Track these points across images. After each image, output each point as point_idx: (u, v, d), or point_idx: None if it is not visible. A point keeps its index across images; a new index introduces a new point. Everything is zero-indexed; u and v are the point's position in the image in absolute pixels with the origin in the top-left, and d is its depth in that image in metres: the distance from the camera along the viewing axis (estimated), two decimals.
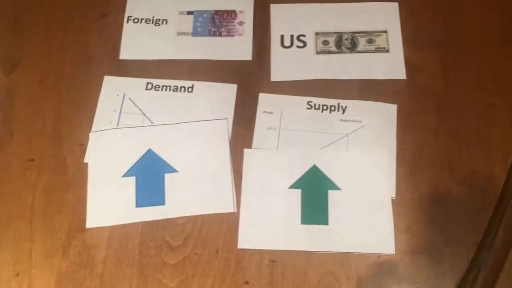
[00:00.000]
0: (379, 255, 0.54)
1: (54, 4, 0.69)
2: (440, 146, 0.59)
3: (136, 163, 0.59)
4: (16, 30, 0.67)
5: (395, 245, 0.54)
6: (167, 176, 0.58)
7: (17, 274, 0.53)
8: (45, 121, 0.62)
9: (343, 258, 0.54)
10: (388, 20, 0.65)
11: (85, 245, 0.55)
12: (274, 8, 0.68)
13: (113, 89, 0.63)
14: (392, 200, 0.57)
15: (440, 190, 0.57)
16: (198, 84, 0.63)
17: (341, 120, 0.61)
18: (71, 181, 0.58)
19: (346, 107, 0.61)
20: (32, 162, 0.59)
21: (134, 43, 0.66)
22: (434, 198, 0.57)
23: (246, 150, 0.59)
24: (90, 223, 0.56)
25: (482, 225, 0.55)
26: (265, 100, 0.62)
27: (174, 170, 0.58)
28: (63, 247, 0.55)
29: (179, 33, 0.67)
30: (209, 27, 0.67)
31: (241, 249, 0.55)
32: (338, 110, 0.61)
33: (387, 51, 0.64)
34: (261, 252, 0.55)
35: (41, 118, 0.62)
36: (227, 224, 0.56)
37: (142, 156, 0.59)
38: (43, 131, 0.61)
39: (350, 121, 0.60)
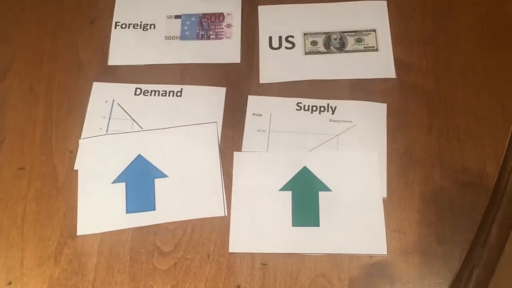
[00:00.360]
0: (371, 256, 0.54)
1: (42, 12, 0.69)
2: (431, 144, 0.59)
3: (126, 169, 0.59)
4: (5, 38, 0.67)
5: (387, 245, 0.54)
6: (157, 181, 0.58)
7: (10, 283, 0.53)
8: (35, 128, 0.62)
9: (335, 259, 0.54)
10: (376, 18, 0.65)
11: (76, 253, 0.55)
12: (262, 10, 0.67)
13: (102, 95, 0.63)
14: (384, 200, 0.56)
15: (432, 189, 0.57)
16: (187, 88, 0.63)
17: (330, 120, 0.60)
18: (61, 188, 0.58)
19: (335, 107, 0.61)
20: (22, 170, 0.59)
21: (123, 49, 0.66)
22: (425, 196, 0.56)
23: (236, 153, 0.59)
24: (81, 230, 0.56)
25: (474, 223, 0.55)
26: (254, 102, 0.62)
27: (164, 175, 0.58)
28: (55, 254, 0.55)
29: (167, 37, 0.67)
30: (197, 31, 0.67)
31: (232, 253, 0.54)
32: (328, 111, 0.61)
33: (376, 50, 0.64)
34: (253, 255, 0.54)
35: (31, 126, 0.62)
36: (218, 228, 0.56)
37: (132, 161, 0.59)
38: (33, 139, 0.61)
39: (340, 121, 0.60)
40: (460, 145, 0.58)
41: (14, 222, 0.57)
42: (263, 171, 0.58)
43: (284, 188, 0.57)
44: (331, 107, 0.61)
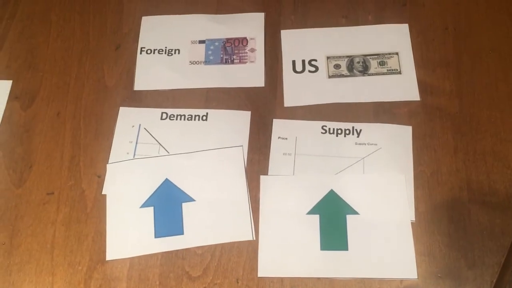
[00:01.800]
0: (401, 280, 0.54)
1: (69, 38, 0.71)
2: (457, 167, 0.59)
3: (153, 193, 0.59)
4: (32, 64, 0.69)
5: (417, 269, 0.54)
6: (185, 206, 0.58)
7: None
8: (63, 153, 0.63)
9: (365, 284, 0.54)
10: (399, 41, 0.66)
11: (105, 278, 0.55)
12: (285, 34, 0.68)
13: (128, 120, 0.64)
14: (412, 223, 0.56)
15: (460, 212, 0.56)
16: (212, 112, 0.64)
17: (356, 143, 0.61)
18: (90, 213, 0.59)
19: (360, 130, 0.61)
20: (51, 195, 0.60)
21: (148, 74, 0.67)
22: (454, 220, 0.56)
23: (262, 177, 0.59)
24: (110, 255, 0.56)
25: (504, 247, 0.55)
26: (279, 126, 0.62)
27: (191, 199, 0.59)
28: (85, 279, 0.55)
29: (191, 62, 0.68)
30: (221, 55, 0.68)
31: (261, 277, 0.55)
32: (353, 134, 0.61)
33: (400, 72, 0.64)
34: (282, 280, 0.54)
35: (59, 151, 0.63)
36: (247, 252, 0.56)
37: (159, 186, 0.60)
38: (62, 164, 0.62)
39: (365, 144, 0.61)
40: (487, 168, 0.59)
41: (43, 247, 0.57)
42: (290, 195, 0.58)
43: (311, 212, 0.57)
44: (356, 130, 0.61)
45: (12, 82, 0.67)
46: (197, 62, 0.68)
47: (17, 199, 0.60)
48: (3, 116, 0.65)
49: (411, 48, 0.65)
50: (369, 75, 0.65)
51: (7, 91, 0.67)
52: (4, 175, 0.61)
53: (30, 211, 0.59)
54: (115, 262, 0.56)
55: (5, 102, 0.66)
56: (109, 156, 0.62)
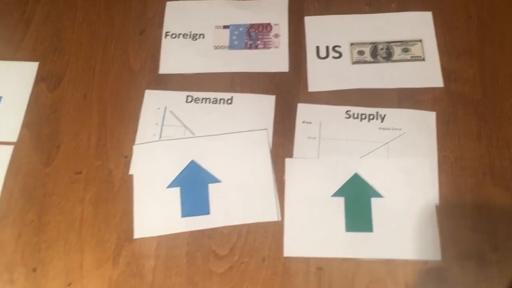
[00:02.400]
0: (425, 262, 0.54)
1: (94, 22, 0.71)
2: (481, 152, 0.59)
3: (179, 174, 0.60)
4: (58, 47, 0.70)
5: (441, 251, 0.55)
6: (211, 186, 0.59)
7: (69, 284, 0.55)
8: (90, 134, 0.63)
9: (390, 265, 0.54)
10: (422, 29, 0.66)
11: (134, 255, 0.56)
12: (308, 20, 0.69)
13: (154, 102, 0.65)
14: (436, 206, 0.57)
15: (484, 196, 0.57)
16: (237, 96, 0.65)
17: (380, 128, 0.61)
18: (117, 192, 0.60)
19: (385, 115, 0.62)
20: (79, 174, 0.61)
21: (173, 58, 0.68)
22: (478, 204, 0.57)
23: (287, 160, 0.60)
24: (138, 233, 0.57)
25: None
26: (303, 110, 0.63)
27: (217, 181, 0.59)
28: (113, 257, 0.56)
29: (216, 47, 0.69)
30: (245, 40, 0.69)
31: (287, 257, 0.55)
32: (377, 119, 0.62)
33: (423, 59, 0.65)
34: (307, 260, 0.55)
35: (86, 132, 0.64)
36: (272, 232, 0.57)
37: (186, 167, 0.60)
38: (88, 144, 0.63)
39: (389, 129, 0.61)
40: (510, 154, 0.59)
41: (72, 225, 0.58)
42: (315, 177, 0.59)
43: (336, 194, 0.58)
44: (380, 115, 0.62)
45: (39, 64, 0.69)
46: (222, 47, 0.68)
47: (46, 178, 0.60)
48: (30, 97, 0.66)
49: (434, 35, 0.66)
50: (392, 61, 0.65)
51: (33, 73, 0.68)
52: (32, 155, 0.62)
53: (58, 190, 0.60)
54: (143, 240, 0.57)
55: (32, 84, 0.67)
56: (135, 137, 0.63)
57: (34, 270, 0.55)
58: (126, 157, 0.62)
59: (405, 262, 0.54)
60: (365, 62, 0.66)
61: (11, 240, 0.57)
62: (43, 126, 0.64)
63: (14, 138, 0.63)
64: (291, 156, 0.61)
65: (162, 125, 0.64)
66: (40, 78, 0.67)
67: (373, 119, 0.62)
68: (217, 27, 0.70)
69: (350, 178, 0.59)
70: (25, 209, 0.59)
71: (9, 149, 0.62)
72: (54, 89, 0.67)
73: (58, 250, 0.57)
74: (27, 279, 0.55)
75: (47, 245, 0.57)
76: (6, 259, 0.56)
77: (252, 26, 0.69)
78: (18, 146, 0.63)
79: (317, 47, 0.67)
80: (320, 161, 0.60)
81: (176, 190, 0.59)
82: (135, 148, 0.62)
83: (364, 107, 0.63)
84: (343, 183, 0.58)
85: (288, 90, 0.65)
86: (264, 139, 0.62)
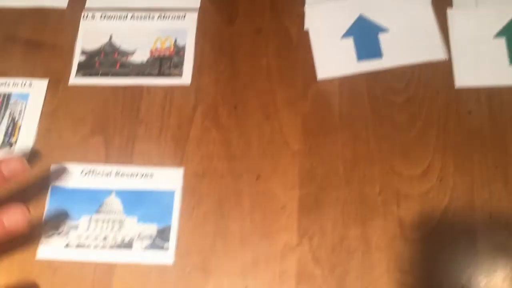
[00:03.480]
0: None
1: None
2: None
3: (351, 26, 0.68)
4: None
5: None
6: (380, 35, 0.67)
7: (267, 117, 0.64)
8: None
9: None
10: None
11: (320, 93, 0.64)
12: None
13: None
14: None
15: None
16: None
17: None
18: (296, 45, 0.68)
19: None
20: (259, 33, 0.69)
21: None
22: None
23: (449, 11, 0.67)
24: (321, 75, 0.65)
25: None
26: None
27: (385, 29, 0.67)
28: (302, 94, 0.64)
29: None
30: None
31: (458, 88, 0.63)
32: None
33: None
34: (478, 90, 0.62)
35: None
36: (442, 69, 0.64)
37: (355, 20, 0.68)
38: (264, 7, 0.70)
39: None
40: None
41: (260, 72, 0.66)
42: (477, 21, 0.65)
43: (498, 35, 0.64)
44: None
45: None
46: None
47: (230, 36, 0.69)
48: None
49: None
50: None
51: None
52: (216, 17, 0.70)
53: (243, 46, 0.68)
54: (326, 81, 0.65)
55: None
56: None
57: (235, 107, 0.65)
58: (299, 15, 0.69)
59: None
60: None
61: (211, 85, 0.66)
62: None
63: (196, 4, 0.72)
64: (451, 5, 0.67)
65: None
66: None
67: None
68: None
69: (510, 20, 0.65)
70: (216, 61, 0.68)
71: (194, 15, 0.71)
72: None
73: (253, 92, 0.65)
74: (230, 115, 0.64)
75: (241, 89, 0.66)
76: (210, 100, 0.65)
77: None
78: (202, 10, 0.71)
79: None
80: (479, 9, 0.66)
81: (350, 40, 0.67)
82: (306, 8, 0.69)
83: None
84: (503, 24, 0.65)
85: None
86: None
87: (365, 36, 0.67)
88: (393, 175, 0.59)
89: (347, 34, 0.67)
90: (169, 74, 0.67)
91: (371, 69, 0.65)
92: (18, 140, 0.64)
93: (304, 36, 0.68)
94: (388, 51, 0.65)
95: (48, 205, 0.60)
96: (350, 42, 0.67)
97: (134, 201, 0.60)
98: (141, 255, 0.57)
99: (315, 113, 0.64)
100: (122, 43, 0.70)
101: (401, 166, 0.60)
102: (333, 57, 0.66)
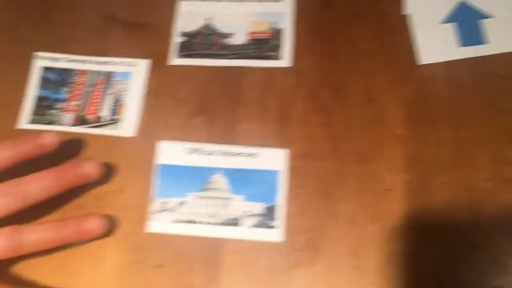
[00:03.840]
0: None
1: None
2: None
3: (453, 11, 0.67)
4: None
5: None
6: (484, 21, 0.66)
7: (370, 100, 0.63)
8: None
9: None
10: None
11: (422, 78, 0.64)
12: None
13: None
14: None
15: None
16: None
17: None
18: (395, 30, 0.67)
19: None
20: (358, 16, 0.69)
21: None
22: None
23: None
24: (424, 60, 0.65)
25: None
26: None
27: (490, 15, 0.66)
28: (405, 80, 0.64)
29: None
30: None
31: None
32: None
33: None
34: None
35: None
36: None
37: (457, 5, 0.67)
38: None
39: None
40: None
41: (360, 56, 0.66)
42: None
43: None
44: None
45: None
46: None
47: (327, 19, 0.69)
48: None
49: None
50: None
51: None
52: (312, 0, 0.70)
53: (341, 28, 0.68)
54: (429, 66, 0.65)
55: None
56: None
57: (336, 90, 0.65)
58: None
59: None
60: None
61: (311, 68, 0.66)
62: None
63: None
64: None
65: None
66: None
67: None
68: None
69: None
70: (316, 44, 0.67)
71: None
72: None
73: (353, 75, 0.65)
74: (331, 98, 0.65)
75: (342, 72, 0.65)
76: (311, 82, 0.65)
77: None
78: None
79: None
80: None
81: (452, 25, 0.66)
82: None
83: None
84: None
85: None
86: None
87: (468, 21, 0.66)
88: (503, 162, 0.59)
89: (449, 19, 0.67)
90: (268, 57, 0.68)
91: (475, 55, 0.64)
92: (122, 118, 0.66)
93: (403, 21, 0.68)
94: (492, 37, 0.65)
95: (157, 181, 0.62)
96: (452, 27, 0.66)
97: (240, 180, 0.61)
98: (249, 232, 0.59)
99: (418, 98, 0.63)
100: (220, 26, 0.71)
101: (510, 153, 0.60)
102: (435, 42, 0.66)
